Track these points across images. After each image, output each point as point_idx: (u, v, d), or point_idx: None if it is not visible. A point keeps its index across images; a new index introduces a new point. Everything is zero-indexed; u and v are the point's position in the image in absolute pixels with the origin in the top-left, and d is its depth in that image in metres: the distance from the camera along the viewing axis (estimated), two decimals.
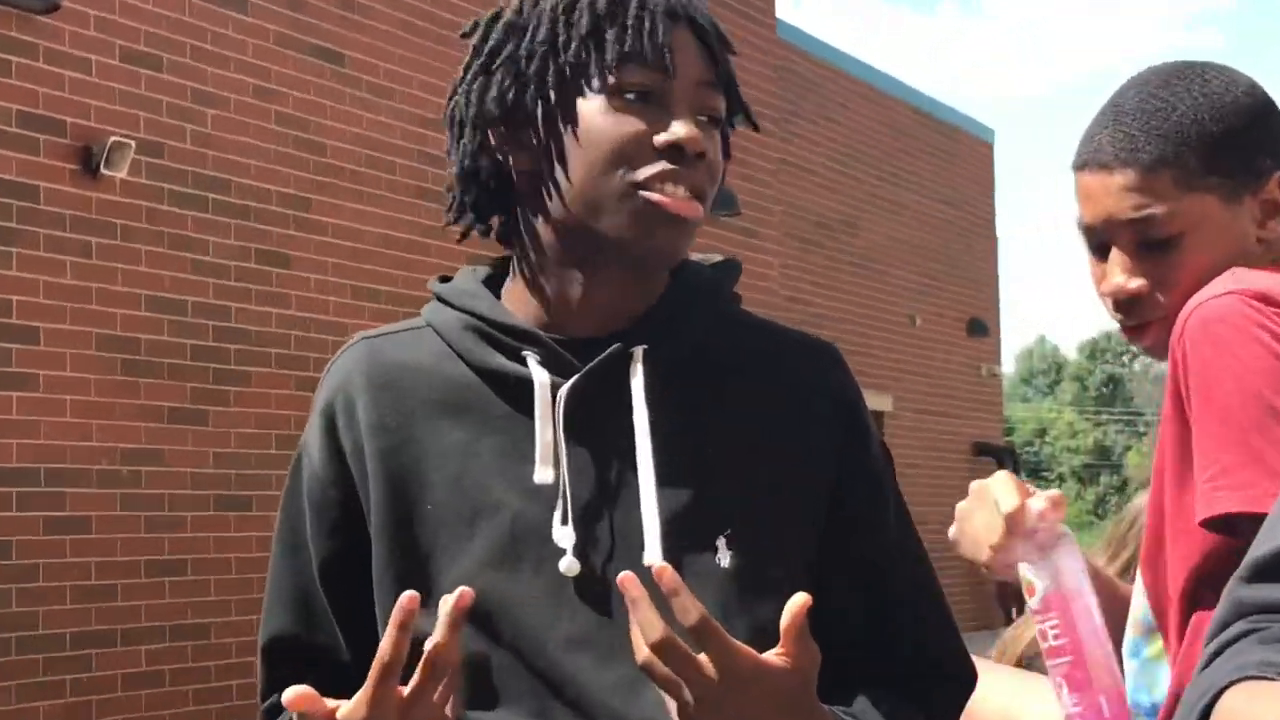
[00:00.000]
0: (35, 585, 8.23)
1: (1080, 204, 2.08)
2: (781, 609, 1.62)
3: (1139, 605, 2.12)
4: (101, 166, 8.56)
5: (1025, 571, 2.04)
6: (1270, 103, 2.07)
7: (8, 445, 8.14)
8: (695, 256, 1.87)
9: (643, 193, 1.73)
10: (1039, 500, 2.03)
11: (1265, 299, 1.84)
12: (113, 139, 8.60)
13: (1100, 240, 2.06)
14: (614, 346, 1.77)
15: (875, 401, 20.09)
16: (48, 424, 8.33)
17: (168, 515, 8.93)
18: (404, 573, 1.75)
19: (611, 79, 1.75)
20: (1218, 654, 1.41)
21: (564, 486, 1.74)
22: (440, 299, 1.87)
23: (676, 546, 1.71)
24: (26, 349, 8.25)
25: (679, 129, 1.74)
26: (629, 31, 1.75)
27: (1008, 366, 31.92)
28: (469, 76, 1.82)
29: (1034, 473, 41.86)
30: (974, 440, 22.80)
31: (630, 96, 1.75)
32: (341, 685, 1.66)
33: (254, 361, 9.49)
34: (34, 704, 8.18)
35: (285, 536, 1.86)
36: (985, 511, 2.09)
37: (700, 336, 1.83)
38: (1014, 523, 2.03)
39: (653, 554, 1.69)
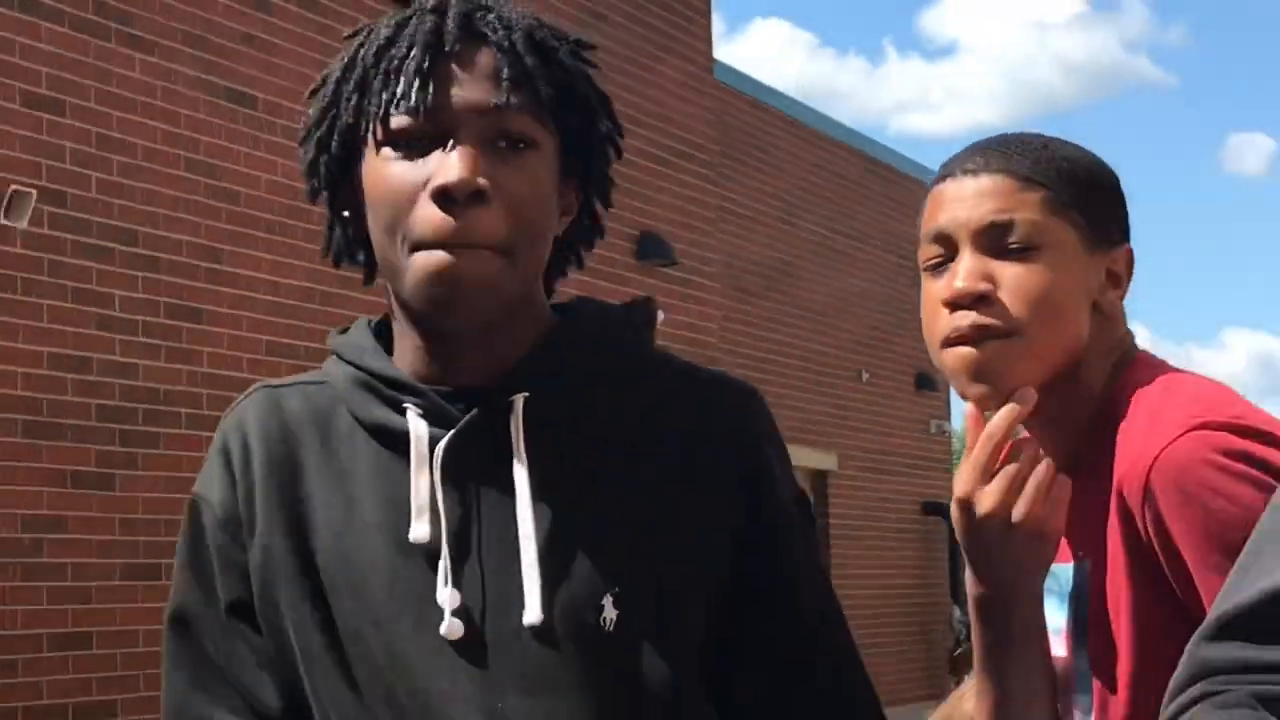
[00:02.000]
0: None
1: (934, 213, 2.07)
2: (672, 670, 1.73)
3: None
4: (2, 217, 8.53)
5: None
6: (1120, 186, 2.14)
7: None
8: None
9: (417, 252, 1.72)
10: None
11: (1220, 426, 1.86)
12: (13, 188, 8.60)
13: (948, 250, 2.05)
14: (493, 397, 1.78)
15: (818, 460, 20.20)
16: None
17: (71, 586, 8.88)
18: (299, 620, 1.78)
19: (380, 131, 1.75)
20: (1176, 718, 1.45)
21: (444, 545, 1.76)
22: (335, 352, 1.89)
23: (559, 605, 1.73)
24: None
25: (443, 172, 1.70)
26: (389, 76, 1.75)
27: (957, 423, 32.12)
28: (300, 144, 1.88)
29: None
30: (922, 499, 22.92)
31: (403, 143, 1.75)
32: None
33: (163, 422, 9.47)
34: None
35: (189, 575, 1.86)
36: None
37: (586, 382, 1.83)
38: None
39: (532, 614, 1.71)
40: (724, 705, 1.82)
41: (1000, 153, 2.07)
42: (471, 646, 1.74)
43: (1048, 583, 2.08)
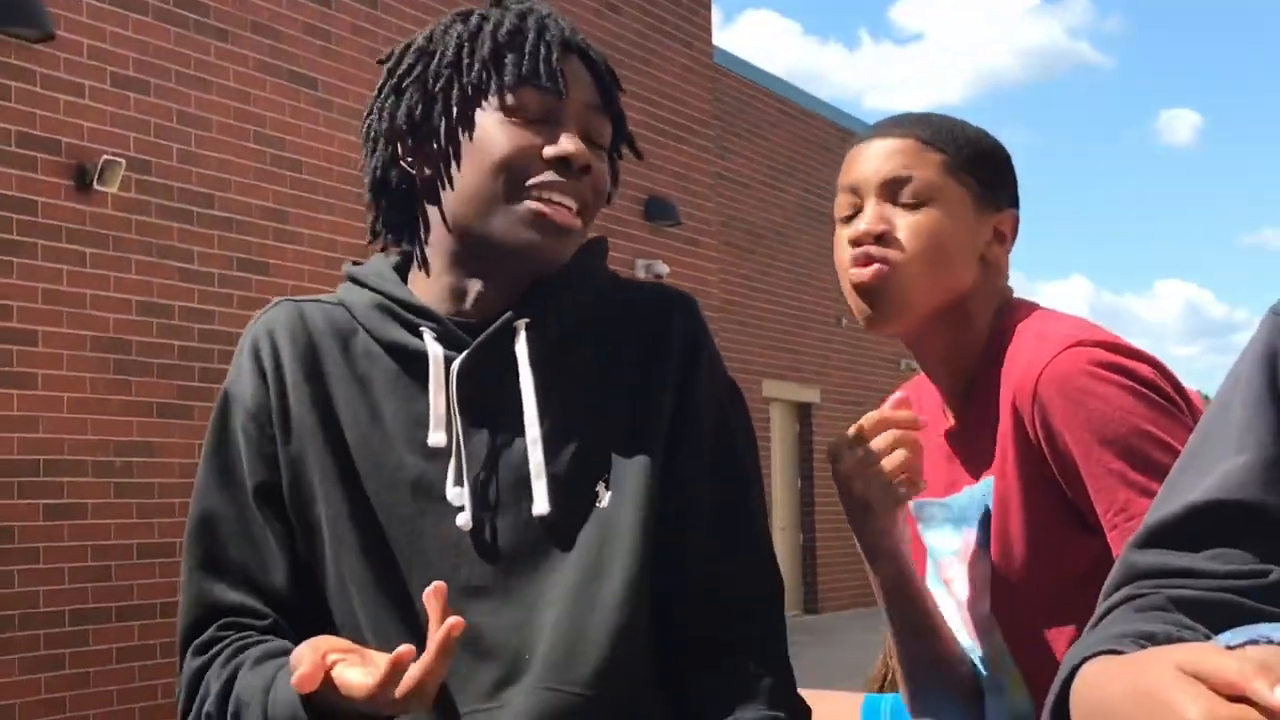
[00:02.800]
0: (36, 567, 8.22)
1: (848, 169, 2.11)
2: (644, 534, 1.73)
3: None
4: (94, 183, 8.54)
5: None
6: (1011, 161, 2.16)
7: (9, 439, 8.11)
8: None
9: (528, 201, 1.76)
10: None
11: (1092, 342, 1.91)
12: (104, 157, 8.59)
13: (857, 202, 2.09)
14: (502, 318, 1.79)
15: (803, 394, 20.15)
16: (46, 419, 8.31)
17: (157, 502, 8.89)
18: (333, 512, 1.77)
19: (510, 99, 1.78)
20: (1102, 618, 1.41)
21: (458, 449, 1.76)
22: (354, 279, 1.89)
23: (563, 497, 1.75)
24: (26, 350, 8.22)
25: (566, 144, 1.77)
26: (526, 57, 1.78)
27: None
28: (382, 95, 1.86)
29: None
30: None
31: (525, 114, 1.78)
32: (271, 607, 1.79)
33: None
34: (35, 676, 8.16)
35: (214, 471, 1.83)
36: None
37: (578, 309, 1.85)
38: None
39: (540, 505, 1.73)
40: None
41: (908, 122, 2.10)
42: (484, 538, 1.75)
43: (939, 512, 2.14)
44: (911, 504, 2.14)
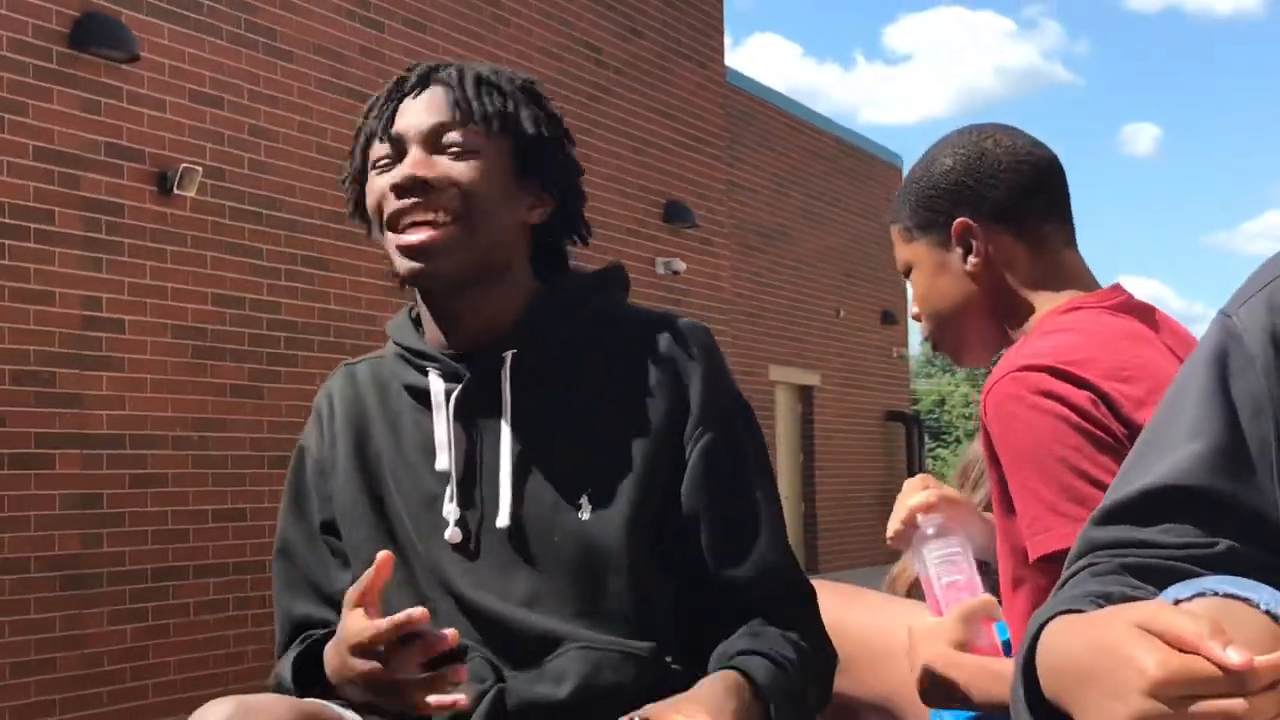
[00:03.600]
0: (123, 529, 8.22)
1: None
2: (630, 544, 1.74)
3: None
4: (174, 188, 8.52)
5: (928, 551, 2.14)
6: (964, 169, 2.10)
7: (99, 416, 8.11)
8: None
9: (391, 234, 1.79)
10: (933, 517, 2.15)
11: (1036, 367, 1.86)
12: (183, 166, 8.57)
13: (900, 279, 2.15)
14: (488, 352, 1.82)
15: (806, 378, 20.15)
16: (131, 398, 8.31)
17: (230, 472, 8.92)
18: (367, 540, 1.83)
19: (371, 154, 1.83)
20: (1064, 585, 1.41)
21: (452, 471, 1.80)
22: (388, 333, 1.95)
23: (528, 511, 1.77)
24: (114, 337, 8.22)
25: (395, 173, 1.78)
26: (372, 118, 1.84)
27: (914, 349, 31.85)
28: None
29: (935, 435, 41.84)
30: (886, 409, 22.88)
31: (379, 164, 1.81)
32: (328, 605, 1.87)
33: (299, 347, 9.47)
34: (122, 626, 8.17)
35: (291, 507, 1.95)
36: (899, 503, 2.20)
37: (563, 337, 1.83)
38: (911, 514, 2.17)
39: (502, 519, 1.76)
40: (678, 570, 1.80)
41: (894, 207, 2.19)
42: (468, 547, 1.79)
43: None
44: None
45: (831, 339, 20.93)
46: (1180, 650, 1.08)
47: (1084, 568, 1.42)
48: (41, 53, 7.89)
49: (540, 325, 1.83)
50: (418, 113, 1.80)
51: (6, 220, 7.65)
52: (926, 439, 28.38)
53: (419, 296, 1.87)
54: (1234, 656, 1.05)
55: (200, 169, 8.68)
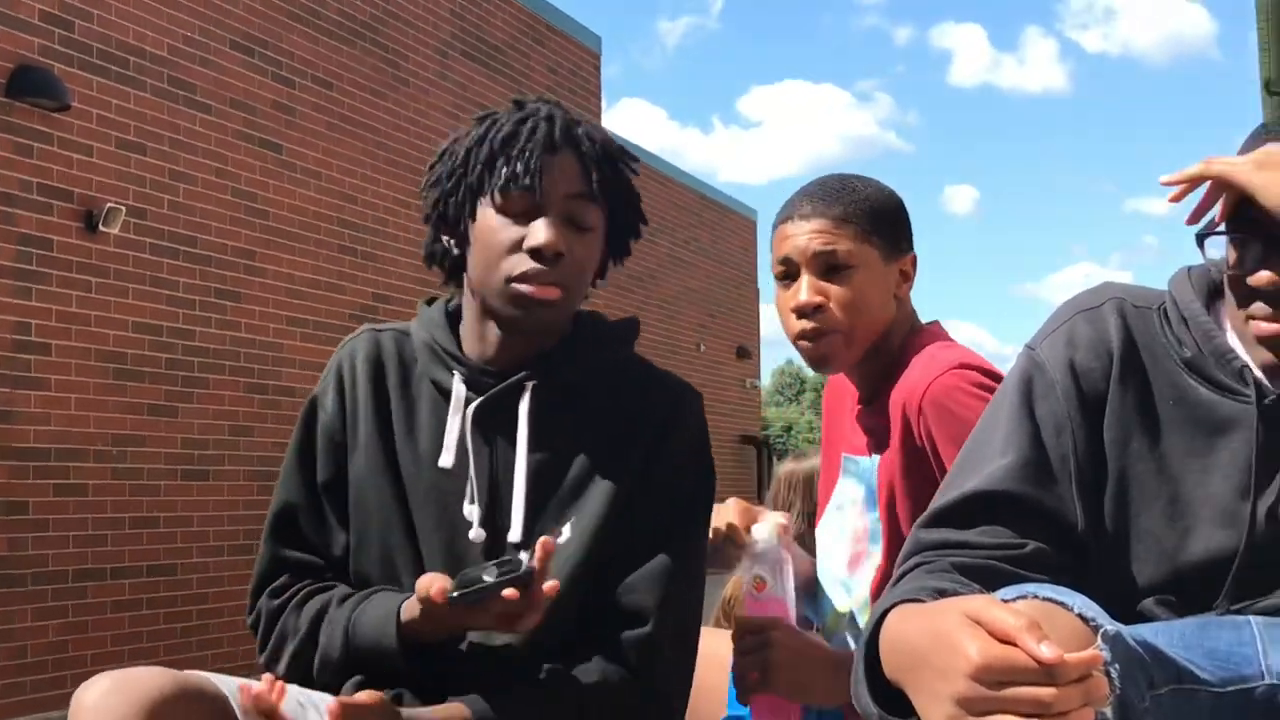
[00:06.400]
0: (47, 534, 8.11)
1: (779, 246, 2.08)
2: (588, 566, 1.71)
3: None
4: (100, 225, 8.45)
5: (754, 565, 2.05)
6: (905, 207, 2.13)
7: (27, 430, 8.02)
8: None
9: (512, 285, 1.74)
10: (763, 525, 2.05)
11: (969, 366, 1.89)
12: (109, 205, 8.50)
13: (791, 270, 2.06)
14: (514, 379, 1.78)
15: None
16: (57, 415, 8.21)
17: (146, 483, 8.80)
18: (385, 521, 1.77)
19: (498, 198, 1.76)
20: (900, 579, 1.44)
21: (471, 473, 1.75)
22: (420, 318, 1.89)
23: (534, 526, 1.74)
24: (42, 359, 8.13)
25: (540, 236, 1.72)
26: (510, 163, 1.75)
27: (765, 381, 32.05)
28: (423, 187, 1.86)
29: (782, 456, 42.14)
30: (740, 433, 23.06)
31: (511, 210, 1.75)
32: (322, 570, 1.80)
33: (211, 371, 9.38)
34: (45, 623, 8.06)
35: (296, 459, 1.84)
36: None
37: (579, 375, 1.81)
38: (733, 533, 2.09)
39: (515, 534, 1.73)
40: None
41: (821, 200, 2.05)
42: (485, 545, 1.75)
43: (852, 466, 2.12)
44: (843, 455, 2.14)
45: (694, 370, 20.99)
46: (1002, 642, 1.09)
47: (916, 565, 1.43)
48: None
49: (564, 363, 1.81)
50: (557, 181, 1.75)
51: None
52: (775, 460, 28.62)
53: (484, 316, 1.81)
54: (1046, 651, 1.07)
55: (124, 209, 8.61)
